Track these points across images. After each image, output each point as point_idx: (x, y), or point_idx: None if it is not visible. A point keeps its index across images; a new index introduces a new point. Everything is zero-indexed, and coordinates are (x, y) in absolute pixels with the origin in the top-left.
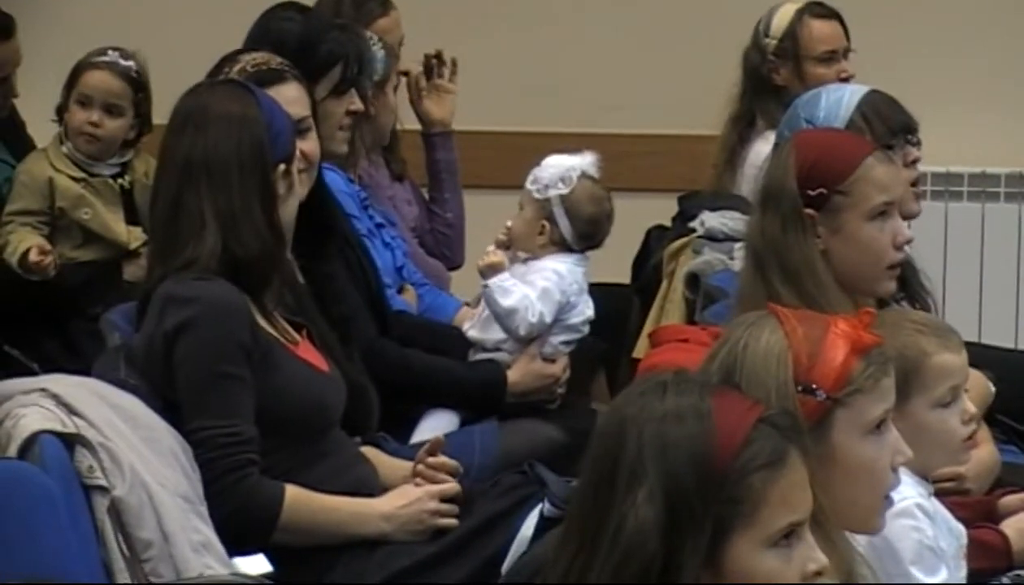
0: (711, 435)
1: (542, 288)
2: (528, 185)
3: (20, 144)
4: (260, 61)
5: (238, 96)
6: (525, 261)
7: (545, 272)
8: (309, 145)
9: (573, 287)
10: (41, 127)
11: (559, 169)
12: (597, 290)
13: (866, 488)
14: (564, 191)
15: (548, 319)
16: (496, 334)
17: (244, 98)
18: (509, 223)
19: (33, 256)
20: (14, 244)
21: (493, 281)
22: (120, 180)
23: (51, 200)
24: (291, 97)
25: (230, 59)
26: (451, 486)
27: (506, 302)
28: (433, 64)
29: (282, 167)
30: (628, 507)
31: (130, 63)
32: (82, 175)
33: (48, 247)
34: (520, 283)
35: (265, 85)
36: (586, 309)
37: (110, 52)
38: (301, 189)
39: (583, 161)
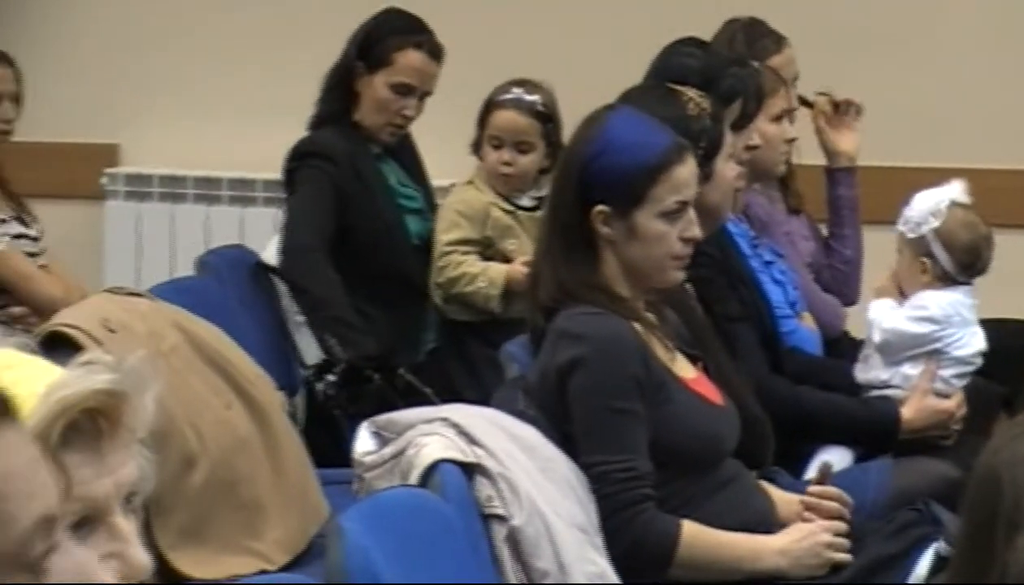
0: None
1: (916, 316)
2: (900, 226)
3: (416, 168)
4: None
5: (592, 122)
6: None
7: (921, 302)
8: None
9: (955, 318)
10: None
11: (928, 204)
12: (994, 326)
13: None
14: (936, 224)
15: (924, 344)
16: (880, 373)
17: (587, 127)
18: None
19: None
20: (472, 274)
21: (872, 313)
22: (539, 213)
23: (486, 229)
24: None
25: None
26: (842, 524)
27: (881, 329)
28: (840, 103)
29: (601, 208)
30: (1010, 554)
31: (535, 97)
32: (511, 207)
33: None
34: (895, 313)
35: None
36: (974, 341)
37: (514, 89)
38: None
39: (951, 190)
